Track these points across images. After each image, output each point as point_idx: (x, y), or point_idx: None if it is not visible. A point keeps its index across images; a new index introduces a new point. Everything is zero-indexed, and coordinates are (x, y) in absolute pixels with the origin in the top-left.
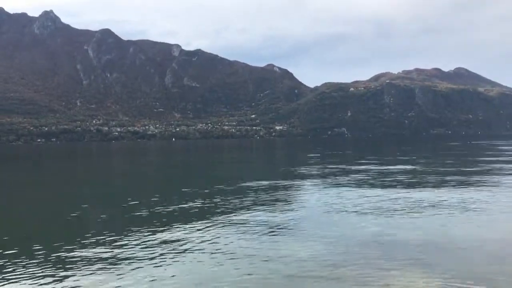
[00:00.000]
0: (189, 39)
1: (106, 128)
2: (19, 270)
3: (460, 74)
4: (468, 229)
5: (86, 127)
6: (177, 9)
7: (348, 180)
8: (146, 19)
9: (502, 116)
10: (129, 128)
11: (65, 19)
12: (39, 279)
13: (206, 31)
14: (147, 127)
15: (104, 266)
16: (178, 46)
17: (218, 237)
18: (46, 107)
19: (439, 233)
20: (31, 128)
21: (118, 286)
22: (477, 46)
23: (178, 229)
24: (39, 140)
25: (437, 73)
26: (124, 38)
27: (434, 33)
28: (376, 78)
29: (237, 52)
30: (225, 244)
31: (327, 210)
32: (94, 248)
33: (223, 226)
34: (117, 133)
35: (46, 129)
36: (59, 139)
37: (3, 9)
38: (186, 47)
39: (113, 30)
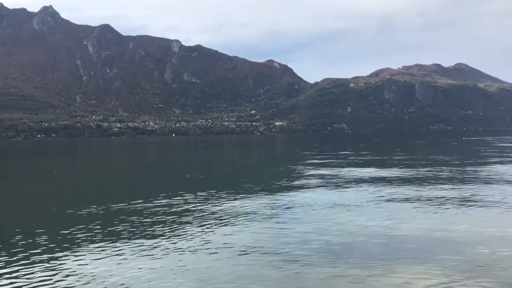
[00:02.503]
0: (190, 35)
1: (106, 124)
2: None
3: (460, 69)
4: (470, 224)
5: (86, 122)
6: (178, 4)
7: (348, 176)
8: (147, 14)
9: (502, 111)
10: (129, 124)
11: (64, 15)
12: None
13: (207, 26)
14: (147, 123)
15: (98, 261)
16: (177, 41)
17: (216, 233)
18: (46, 103)
19: (441, 229)
20: (31, 124)
21: (111, 281)
22: (478, 41)
23: (174, 225)
24: (39, 136)
25: (437, 69)
26: (125, 33)
27: (435, 28)
28: (376, 73)
29: (237, 47)
30: (223, 241)
31: (327, 206)
32: (88, 244)
33: (220, 222)
34: (117, 129)
35: (46, 124)
36: (59, 135)
37: (2, 4)
38: (187, 43)
39: (113, 25)
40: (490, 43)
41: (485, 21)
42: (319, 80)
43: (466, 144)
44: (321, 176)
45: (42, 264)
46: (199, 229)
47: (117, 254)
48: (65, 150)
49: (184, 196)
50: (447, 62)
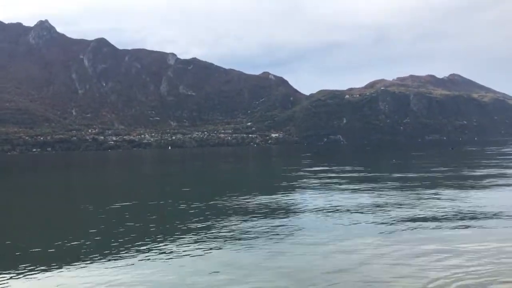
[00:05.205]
0: (186, 47)
1: (102, 137)
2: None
3: (454, 80)
4: (465, 231)
5: (81, 136)
6: (174, 17)
7: (345, 186)
8: (144, 27)
9: (496, 121)
10: (124, 137)
11: (60, 29)
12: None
13: (203, 39)
14: (143, 135)
15: (98, 271)
16: (173, 54)
17: (213, 245)
18: (41, 117)
19: (439, 236)
20: (27, 138)
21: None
22: (471, 52)
23: (172, 238)
24: (34, 150)
25: (432, 80)
26: (122, 46)
27: (429, 39)
28: (371, 85)
29: (234, 60)
30: (220, 253)
31: (325, 217)
32: (88, 253)
33: (218, 234)
34: (113, 142)
35: (42, 138)
36: (54, 149)
37: None
38: (183, 56)
39: (110, 38)
40: (483, 54)
41: (478, 32)
42: (314, 92)
43: (454, 153)
44: (317, 189)
45: (35, 277)
46: (194, 243)
47: (114, 266)
48: (67, 165)
49: (179, 210)
50: (441, 73)
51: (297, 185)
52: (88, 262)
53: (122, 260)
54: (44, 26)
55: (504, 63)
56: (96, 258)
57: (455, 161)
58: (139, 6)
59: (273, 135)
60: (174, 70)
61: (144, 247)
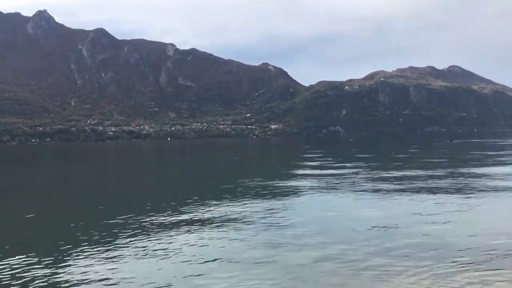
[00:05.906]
0: (186, 38)
1: (101, 128)
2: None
3: (453, 72)
4: (466, 226)
5: (80, 127)
6: (174, 8)
7: (344, 180)
8: (143, 18)
9: (496, 113)
10: (124, 127)
11: (59, 19)
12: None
13: (203, 30)
14: (142, 126)
15: (99, 269)
16: (172, 45)
17: (211, 239)
18: (40, 107)
19: (439, 231)
20: (26, 128)
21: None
22: (471, 43)
23: (170, 233)
24: (33, 140)
25: (431, 71)
26: (121, 37)
27: (429, 30)
28: (371, 76)
29: (233, 51)
30: (218, 246)
31: (325, 212)
32: (89, 250)
33: (216, 228)
34: (112, 133)
35: (41, 129)
36: (53, 139)
37: None
38: (183, 46)
39: (109, 29)
40: (483, 45)
41: (478, 24)
42: (314, 83)
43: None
44: (316, 184)
45: (43, 270)
46: (193, 238)
47: (114, 259)
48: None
49: (177, 206)
50: (440, 64)
51: (294, 181)
52: (84, 255)
53: (118, 253)
54: (43, 16)
55: (504, 55)
56: (91, 252)
57: (452, 154)
58: None
59: (273, 126)
60: (173, 61)
61: (141, 241)
